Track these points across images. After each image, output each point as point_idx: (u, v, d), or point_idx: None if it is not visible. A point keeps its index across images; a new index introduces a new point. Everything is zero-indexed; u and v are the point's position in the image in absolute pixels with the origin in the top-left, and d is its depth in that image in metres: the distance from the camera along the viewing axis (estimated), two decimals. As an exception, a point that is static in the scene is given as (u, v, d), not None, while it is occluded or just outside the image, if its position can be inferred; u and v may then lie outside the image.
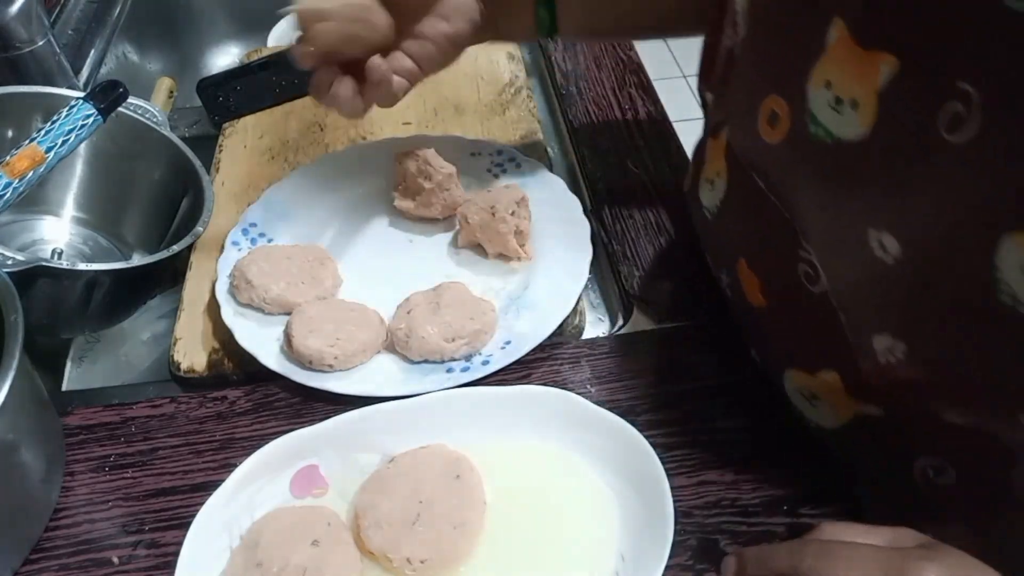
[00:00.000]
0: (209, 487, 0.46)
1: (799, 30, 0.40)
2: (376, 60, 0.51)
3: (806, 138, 0.40)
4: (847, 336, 0.41)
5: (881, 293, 0.38)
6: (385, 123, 0.75)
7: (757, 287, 0.49)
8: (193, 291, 0.61)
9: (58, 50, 0.75)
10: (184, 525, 0.44)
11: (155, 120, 0.66)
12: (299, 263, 0.59)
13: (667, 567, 0.42)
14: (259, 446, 0.47)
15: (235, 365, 0.57)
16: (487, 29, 0.57)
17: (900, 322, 0.38)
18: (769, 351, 0.52)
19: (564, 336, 0.58)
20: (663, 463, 0.45)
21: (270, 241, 0.63)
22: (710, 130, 0.54)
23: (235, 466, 0.46)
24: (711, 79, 0.54)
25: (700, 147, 0.56)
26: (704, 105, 0.57)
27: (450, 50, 0.56)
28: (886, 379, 0.39)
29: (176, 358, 0.57)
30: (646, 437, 0.46)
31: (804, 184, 0.42)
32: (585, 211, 0.64)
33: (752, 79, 0.46)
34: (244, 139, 0.75)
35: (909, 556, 0.36)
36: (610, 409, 0.48)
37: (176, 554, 0.43)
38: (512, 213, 0.60)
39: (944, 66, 0.33)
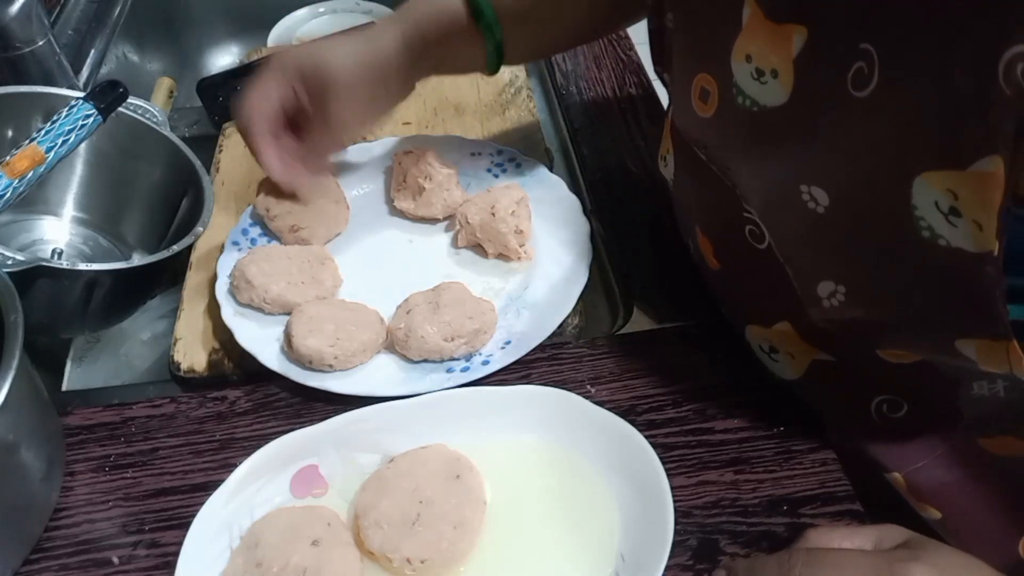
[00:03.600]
0: (209, 487, 0.46)
1: (717, 11, 0.43)
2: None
3: (735, 109, 0.43)
4: (794, 287, 0.43)
5: (818, 242, 0.41)
6: (385, 123, 0.75)
7: (711, 251, 0.52)
8: (193, 291, 0.61)
9: (58, 50, 0.75)
10: (184, 525, 0.44)
11: (155, 120, 0.66)
12: (299, 263, 0.59)
13: (667, 567, 0.42)
14: (259, 446, 0.47)
15: (235, 365, 0.57)
16: (420, 71, 0.60)
17: (838, 267, 0.40)
18: (730, 309, 0.55)
19: (564, 336, 0.58)
20: (663, 463, 0.45)
21: (270, 241, 0.63)
22: (667, 111, 0.57)
23: (235, 466, 0.46)
24: (664, 61, 0.56)
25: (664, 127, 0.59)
26: (666, 85, 0.60)
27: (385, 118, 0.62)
28: (832, 323, 0.42)
29: (176, 358, 0.57)
30: (646, 437, 0.47)
31: (738, 151, 0.45)
32: (585, 211, 0.64)
33: (683, 60, 0.49)
34: (244, 139, 0.75)
35: (896, 558, 0.38)
36: (610, 409, 0.48)
37: (176, 554, 0.43)
38: (512, 213, 0.60)
39: (848, 31, 0.36)
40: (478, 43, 0.58)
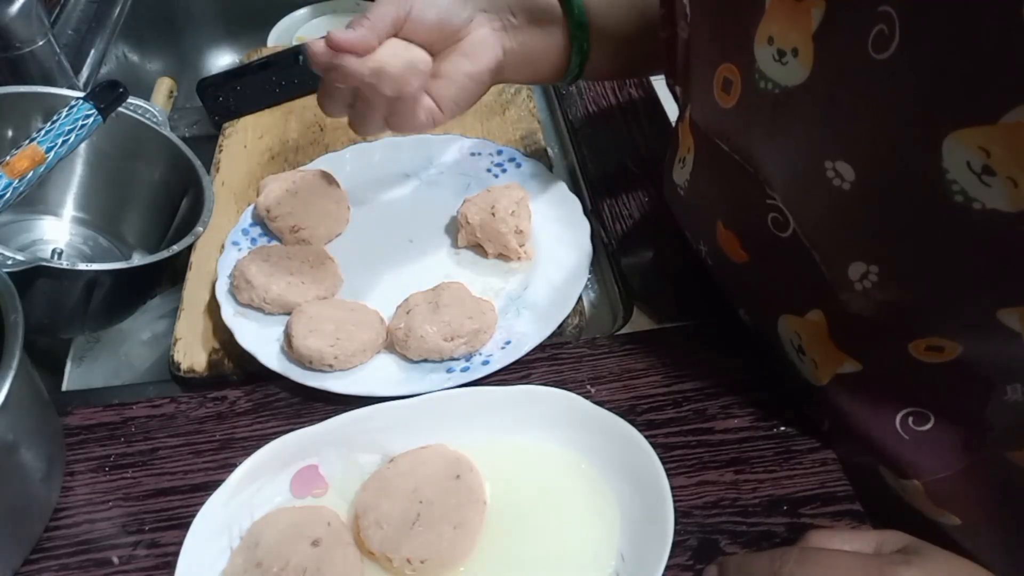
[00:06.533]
0: (209, 487, 0.46)
1: None
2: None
3: (756, 94, 0.43)
4: (823, 273, 0.43)
5: (846, 221, 0.40)
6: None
7: (737, 244, 0.51)
8: (193, 291, 0.61)
9: (58, 50, 0.75)
10: (184, 525, 0.44)
11: (155, 120, 0.66)
12: (299, 263, 0.59)
13: (667, 567, 0.42)
14: (259, 446, 0.47)
15: (235, 365, 0.57)
16: (511, 71, 0.57)
17: (868, 246, 0.39)
18: (760, 303, 0.54)
19: (564, 336, 0.58)
20: (663, 463, 0.45)
21: (270, 241, 0.63)
22: (680, 116, 0.56)
23: (235, 466, 0.46)
24: (675, 73, 0.56)
25: (673, 136, 0.58)
26: (677, 99, 0.59)
27: (472, 88, 0.54)
28: (867, 308, 0.41)
29: (176, 358, 0.57)
30: (646, 437, 0.46)
31: (760, 136, 0.44)
32: (585, 211, 0.64)
33: (703, 54, 0.48)
34: (244, 139, 0.75)
35: (889, 561, 0.37)
36: (610, 409, 0.48)
37: (176, 554, 0.43)
38: (512, 213, 0.60)
39: None
40: (560, 23, 0.56)
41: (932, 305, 0.39)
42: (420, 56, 0.51)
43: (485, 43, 0.54)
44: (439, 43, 0.53)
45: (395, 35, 0.51)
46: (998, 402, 0.41)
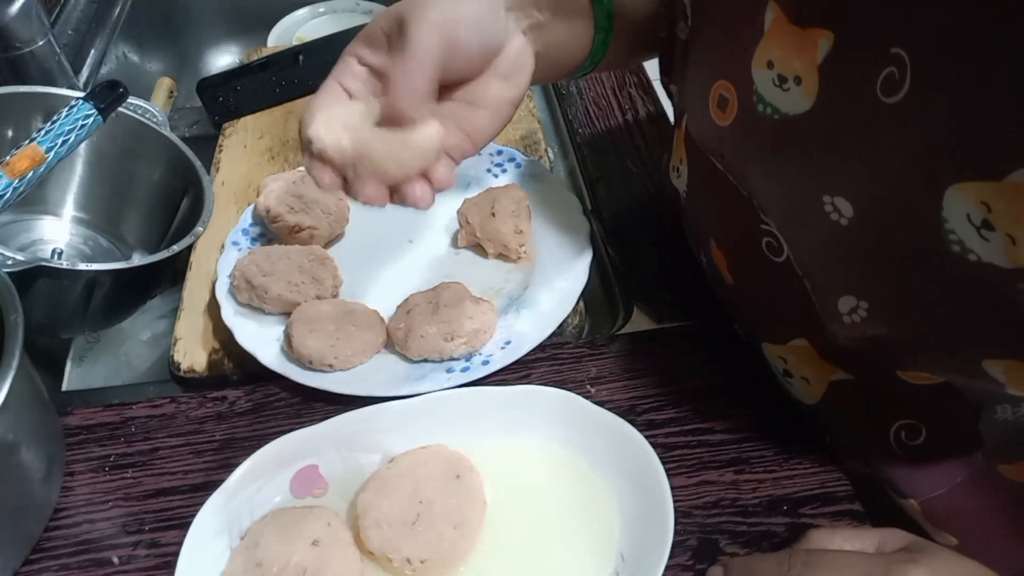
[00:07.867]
0: (209, 487, 0.46)
1: (738, 15, 0.42)
2: (419, 190, 0.42)
3: (754, 117, 0.42)
4: (813, 302, 0.42)
5: (841, 255, 0.39)
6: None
7: (725, 267, 0.50)
8: (193, 291, 0.61)
9: (58, 50, 0.75)
10: (184, 525, 0.44)
11: (155, 120, 0.66)
12: (299, 263, 0.59)
13: (667, 567, 0.42)
14: (259, 446, 0.47)
15: (235, 365, 0.57)
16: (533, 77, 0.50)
17: (861, 281, 0.39)
18: (746, 325, 0.54)
19: (564, 336, 0.58)
20: (663, 463, 0.45)
21: (270, 241, 0.63)
22: (676, 120, 0.55)
23: (235, 466, 0.46)
24: (672, 72, 0.55)
25: (671, 137, 0.57)
26: (671, 97, 0.58)
27: (511, 115, 0.47)
28: (853, 340, 0.40)
29: (176, 358, 0.57)
30: (646, 437, 0.47)
31: (757, 161, 0.43)
32: (585, 211, 0.64)
33: (701, 66, 0.47)
34: (244, 139, 0.75)
35: (894, 560, 0.37)
36: (610, 409, 0.48)
37: (176, 554, 0.43)
38: (512, 213, 0.60)
39: (878, 34, 0.34)
40: (586, 14, 0.51)
41: (918, 346, 0.38)
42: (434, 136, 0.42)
43: (521, 56, 0.47)
44: (481, 68, 0.45)
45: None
46: (989, 419, 0.41)
